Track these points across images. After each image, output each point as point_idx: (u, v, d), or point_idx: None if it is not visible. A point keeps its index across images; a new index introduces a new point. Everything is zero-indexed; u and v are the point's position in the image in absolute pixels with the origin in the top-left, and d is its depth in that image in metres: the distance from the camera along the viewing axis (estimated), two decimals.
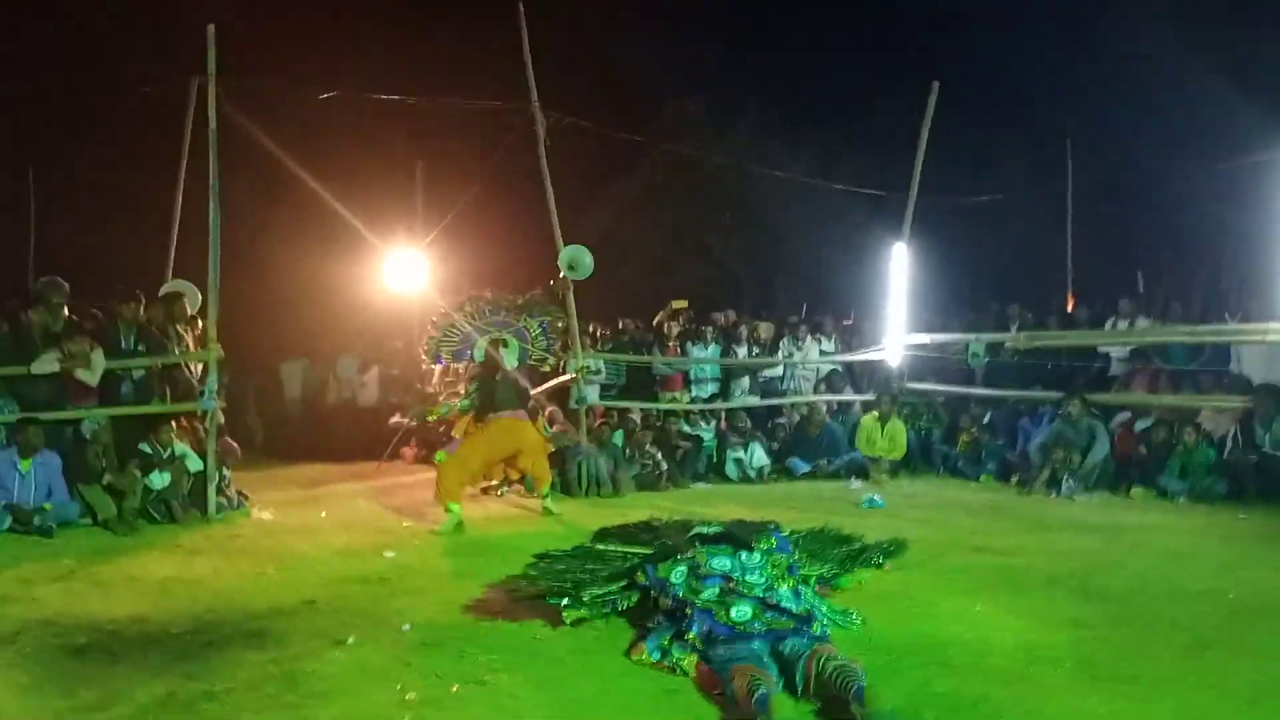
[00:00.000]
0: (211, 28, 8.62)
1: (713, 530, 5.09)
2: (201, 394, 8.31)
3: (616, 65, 19.40)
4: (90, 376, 7.95)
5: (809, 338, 12.89)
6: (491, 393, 8.22)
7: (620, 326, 12.51)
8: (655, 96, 20.47)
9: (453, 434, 8.55)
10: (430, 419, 9.25)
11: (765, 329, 12.66)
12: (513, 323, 8.85)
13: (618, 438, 10.25)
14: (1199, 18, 16.38)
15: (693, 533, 5.08)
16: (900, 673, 4.12)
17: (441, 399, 9.30)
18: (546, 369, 9.45)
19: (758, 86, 21.39)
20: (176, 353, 8.66)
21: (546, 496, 8.56)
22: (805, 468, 11.16)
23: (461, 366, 8.89)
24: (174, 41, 10.12)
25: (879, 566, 5.87)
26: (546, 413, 10.43)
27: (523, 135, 10.51)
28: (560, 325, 9.39)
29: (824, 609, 4.76)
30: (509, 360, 8.38)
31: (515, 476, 9.35)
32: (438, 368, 10.26)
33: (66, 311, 8.38)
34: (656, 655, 4.27)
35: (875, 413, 11.26)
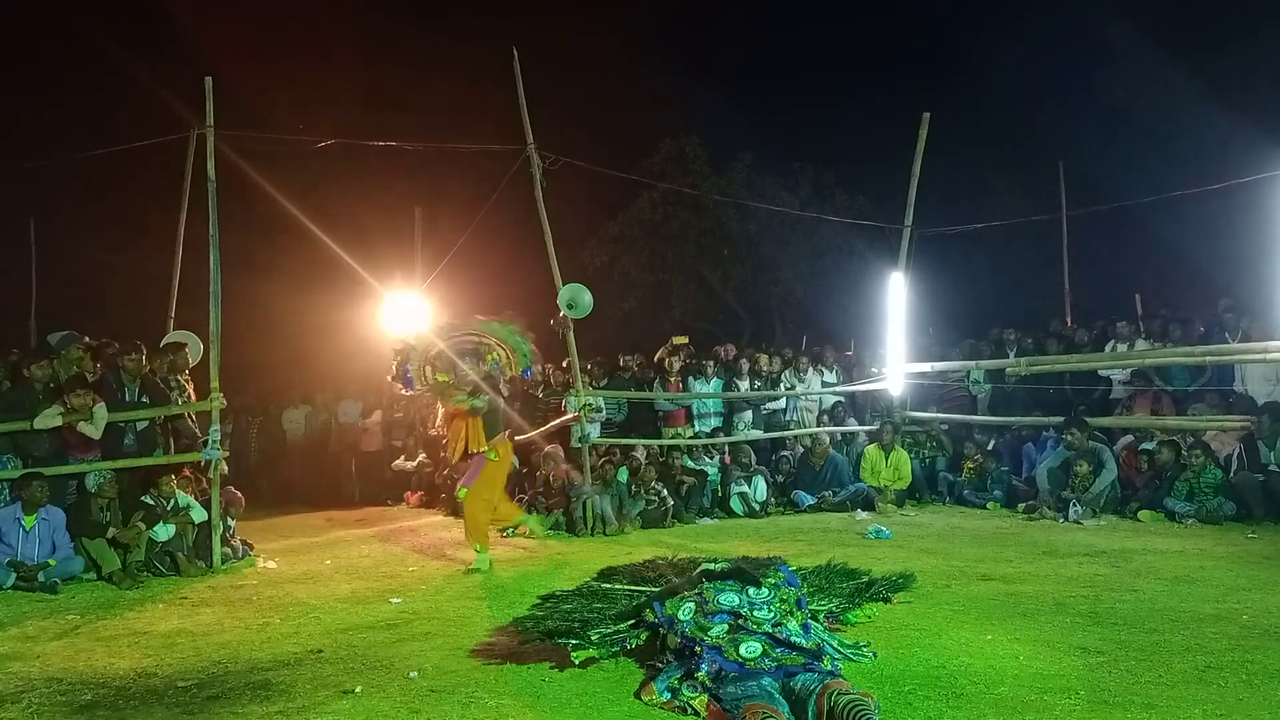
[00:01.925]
0: (209, 79, 8.73)
1: (719, 566, 5.07)
2: (205, 444, 8.33)
3: (615, 105, 19.66)
4: (93, 430, 7.95)
5: (810, 369, 12.92)
6: (495, 418, 8.12)
7: (621, 364, 12.53)
8: (653, 135, 20.71)
9: (446, 440, 8.40)
10: (444, 393, 8.85)
11: (766, 361, 12.69)
12: (481, 330, 8.73)
13: (622, 475, 10.23)
14: (1190, 40, 16.57)
15: (700, 569, 5.06)
16: (912, 705, 4.09)
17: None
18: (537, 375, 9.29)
19: (755, 121, 21.63)
20: (179, 403, 8.70)
21: (522, 522, 8.89)
22: (810, 500, 11.13)
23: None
24: (174, 91, 10.25)
25: (886, 601, 5.84)
26: (545, 451, 10.45)
27: (520, 176, 10.60)
28: (530, 334, 9.24)
29: (835, 643, 4.73)
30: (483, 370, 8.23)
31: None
32: (440, 408, 10.13)
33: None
34: (666, 695, 4.23)
35: (878, 443, 11.27)
